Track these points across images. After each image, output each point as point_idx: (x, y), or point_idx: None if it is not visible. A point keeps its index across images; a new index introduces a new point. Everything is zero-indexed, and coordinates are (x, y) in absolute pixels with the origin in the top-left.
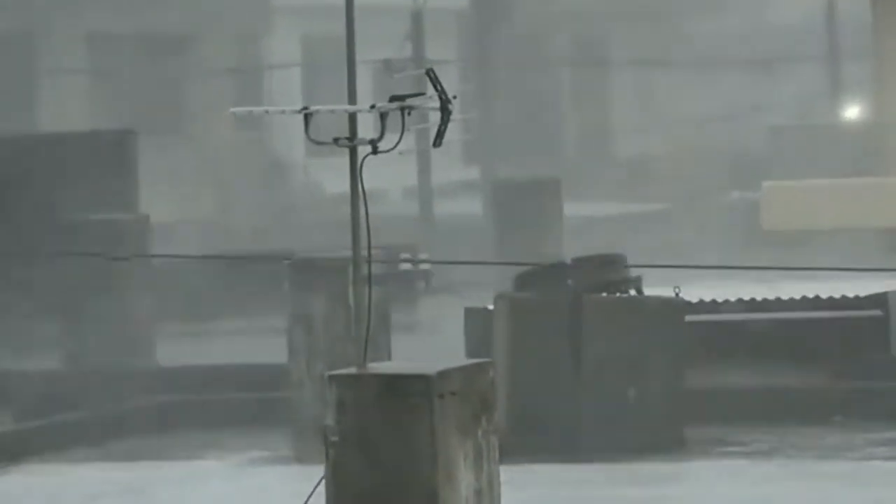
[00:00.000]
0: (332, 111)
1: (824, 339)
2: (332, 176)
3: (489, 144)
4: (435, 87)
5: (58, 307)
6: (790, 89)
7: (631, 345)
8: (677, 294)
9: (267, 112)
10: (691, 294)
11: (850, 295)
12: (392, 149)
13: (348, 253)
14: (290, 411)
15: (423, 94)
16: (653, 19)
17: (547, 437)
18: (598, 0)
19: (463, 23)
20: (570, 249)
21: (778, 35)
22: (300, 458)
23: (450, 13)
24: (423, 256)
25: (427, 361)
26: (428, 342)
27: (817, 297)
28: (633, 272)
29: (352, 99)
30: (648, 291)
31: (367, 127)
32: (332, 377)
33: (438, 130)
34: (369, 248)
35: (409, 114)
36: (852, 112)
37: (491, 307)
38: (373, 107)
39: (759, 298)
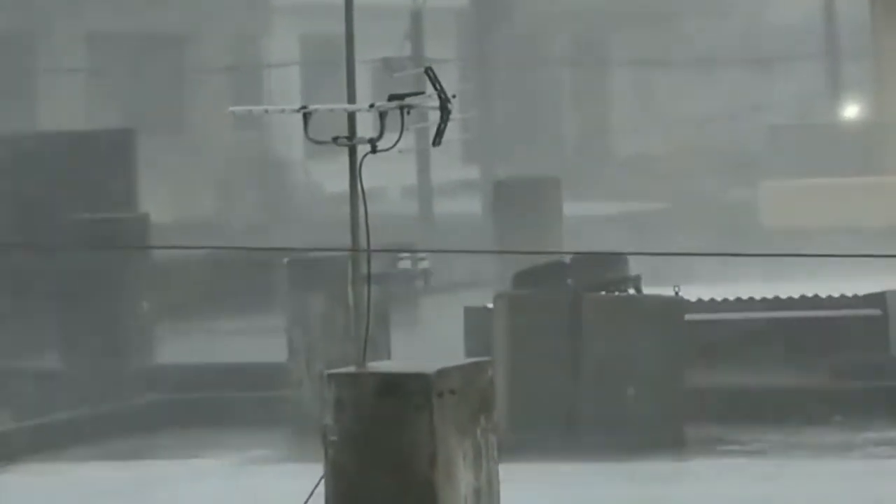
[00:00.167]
0: (332, 110)
1: (824, 339)
2: (332, 175)
3: (488, 144)
4: (434, 86)
5: (57, 306)
6: (790, 89)
7: (630, 343)
8: (677, 293)
9: (266, 111)
10: (690, 293)
11: (849, 294)
12: (391, 148)
13: (347, 252)
14: (290, 410)
15: (422, 93)
16: (652, 19)
17: (546, 436)
18: (597, 0)
19: (462, 22)
20: (570, 249)
21: (777, 35)
22: (299, 457)
23: (449, 12)
24: (421, 255)
25: (426, 360)
26: (427, 341)
27: (816, 297)
28: (633, 271)
29: (351, 98)
30: (648, 290)
31: (366, 126)
32: (331, 376)
33: (438, 129)
34: (368, 247)
35: (408, 113)
36: (851, 112)
37: (490, 306)
38: (372, 106)
39: (758, 297)
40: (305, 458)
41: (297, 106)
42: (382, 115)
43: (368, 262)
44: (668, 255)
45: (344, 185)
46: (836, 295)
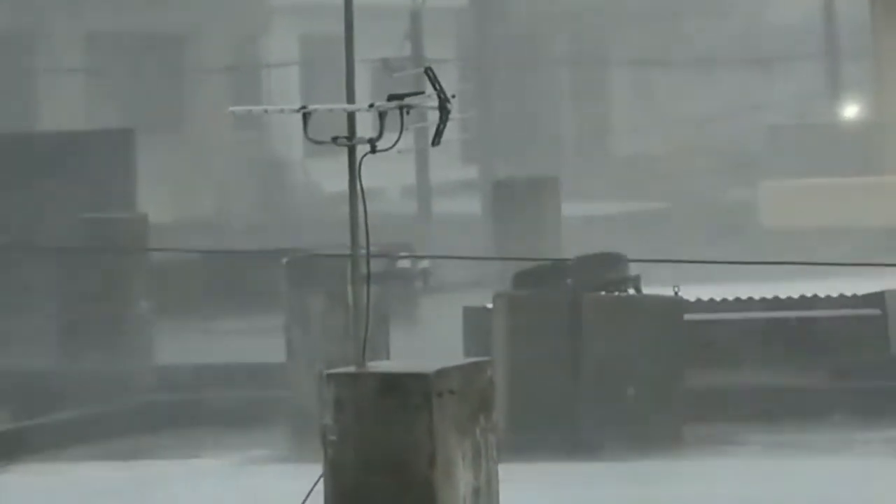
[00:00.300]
0: (331, 110)
1: (823, 339)
2: (331, 175)
3: (488, 143)
4: (433, 86)
5: (56, 305)
6: (789, 89)
7: (630, 343)
8: (676, 293)
9: (266, 111)
10: (690, 293)
11: (849, 294)
12: (391, 148)
13: (347, 252)
14: (289, 410)
15: (421, 93)
16: (652, 19)
17: (546, 436)
18: (597, 0)
19: (461, 22)
20: (569, 249)
21: (777, 35)
22: (299, 457)
23: (448, 12)
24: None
25: (425, 360)
26: (426, 341)
27: (815, 297)
28: (633, 271)
29: (350, 98)
30: (647, 290)
31: (365, 126)
32: (330, 376)
33: (437, 129)
34: (368, 246)
35: (407, 113)
36: (851, 111)
37: (490, 306)
38: (371, 106)
39: (757, 297)
40: (305, 458)
41: (297, 106)
42: (382, 115)
43: (368, 262)
44: (667, 262)
45: (343, 185)
46: (835, 295)
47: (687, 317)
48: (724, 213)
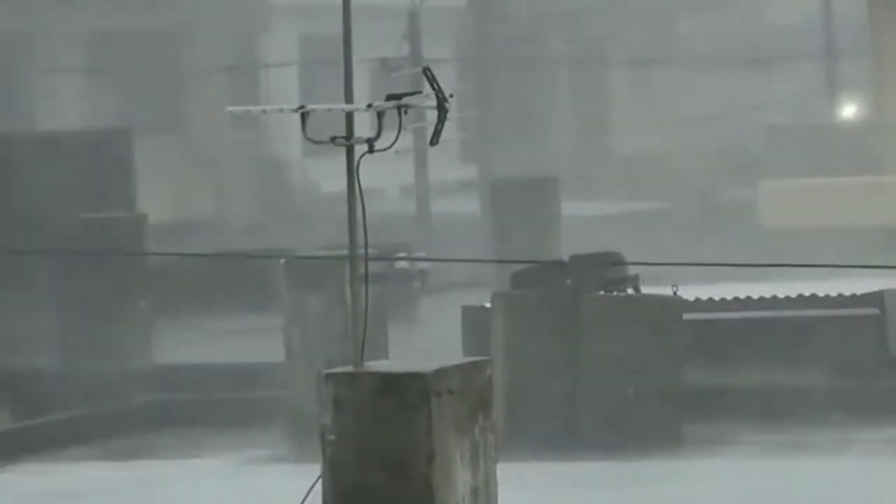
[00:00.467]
0: (329, 110)
1: (822, 338)
2: (329, 175)
3: (486, 143)
4: (432, 85)
5: (55, 305)
6: (788, 88)
7: (628, 343)
8: (675, 292)
9: (264, 111)
10: (689, 292)
11: (847, 293)
12: (389, 147)
13: (345, 252)
14: (288, 410)
15: (419, 92)
16: (651, 18)
17: (544, 436)
18: None
19: (460, 22)
20: (568, 248)
21: (776, 34)
22: (298, 457)
23: (447, 12)
24: (420, 254)
25: (424, 360)
26: (425, 340)
27: (814, 296)
28: (631, 271)
29: (349, 98)
30: (646, 290)
31: (364, 126)
32: (328, 376)
33: (435, 129)
34: (366, 246)
35: (405, 113)
36: (850, 111)
37: (488, 305)
38: (370, 106)
39: (756, 297)
40: (304, 457)
41: (295, 106)
42: (380, 115)
43: (366, 262)
44: (665, 265)
45: (342, 185)
46: (833, 294)
47: (686, 316)
48: (724, 212)
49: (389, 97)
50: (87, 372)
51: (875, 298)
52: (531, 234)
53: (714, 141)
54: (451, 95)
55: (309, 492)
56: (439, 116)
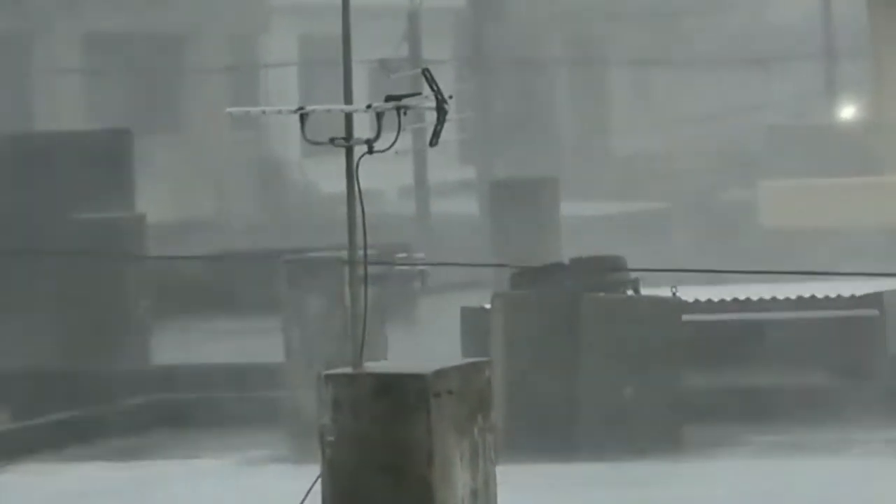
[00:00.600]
0: (329, 111)
1: (821, 339)
2: (329, 175)
3: (486, 144)
4: (431, 86)
5: (54, 306)
6: (788, 88)
7: (628, 344)
8: (674, 294)
9: (263, 112)
10: (688, 294)
11: (847, 294)
12: (388, 148)
13: (344, 252)
14: (287, 411)
15: (419, 93)
16: (651, 18)
17: (544, 437)
18: None
19: (459, 22)
20: (568, 249)
21: (776, 34)
22: (297, 458)
23: (446, 12)
24: (419, 255)
25: (423, 361)
26: (424, 341)
27: (813, 297)
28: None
29: (348, 99)
30: (645, 292)
31: (363, 127)
32: (328, 376)
33: (435, 130)
34: (365, 247)
35: (405, 113)
36: (850, 111)
37: (488, 306)
38: (369, 107)
39: (755, 298)
40: (303, 458)
41: (295, 106)
42: (379, 116)
43: (365, 262)
44: (663, 270)
45: (341, 186)
46: (833, 295)
47: (685, 317)
48: (724, 213)
49: (389, 98)
50: (86, 372)
51: (874, 299)
52: (530, 235)
53: (714, 141)
54: (451, 96)
55: (308, 492)
56: (438, 117)
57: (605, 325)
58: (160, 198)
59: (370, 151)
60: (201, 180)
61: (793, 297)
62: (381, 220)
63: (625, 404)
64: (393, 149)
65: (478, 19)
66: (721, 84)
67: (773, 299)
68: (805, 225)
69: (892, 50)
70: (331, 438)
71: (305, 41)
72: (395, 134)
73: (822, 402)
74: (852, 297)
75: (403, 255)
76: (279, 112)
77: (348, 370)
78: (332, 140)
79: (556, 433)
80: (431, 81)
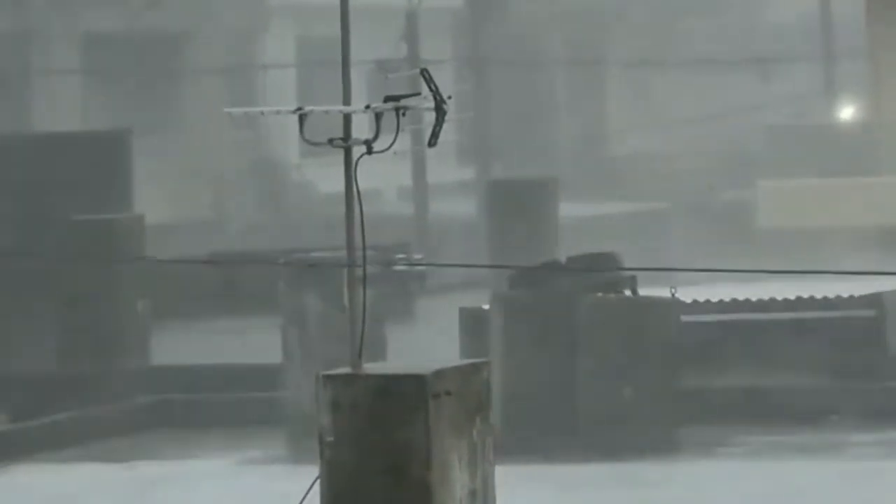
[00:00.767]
0: (327, 111)
1: (820, 340)
2: (327, 176)
3: (484, 144)
4: (430, 87)
5: (54, 306)
6: (786, 89)
7: (626, 345)
8: (673, 294)
9: (262, 112)
10: (687, 294)
11: (846, 295)
12: (387, 149)
13: (343, 253)
14: (286, 411)
15: (417, 94)
16: (649, 19)
17: (542, 438)
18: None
19: (458, 22)
20: (567, 249)
21: (774, 35)
22: (296, 458)
23: (445, 13)
24: (417, 256)
25: (422, 361)
26: (423, 342)
27: (812, 297)
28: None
29: (346, 99)
30: (644, 292)
31: (361, 127)
32: (326, 377)
33: (433, 131)
34: (364, 248)
35: (403, 114)
36: (848, 112)
37: (486, 307)
38: (368, 107)
39: (753, 299)
40: (302, 458)
41: (293, 107)
42: (378, 117)
43: (364, 263)
44: (663, 270)
45: (340, 187)
46: (832, 296)
47: (684, 318)
48: (723, 213)
49: (387, 99)
50: (86, 372)
51: (874, 300)
52: (529, 236)
53: (714, 141)
54: (450, 97)
55: (307, 493)
56: (437, 118)
57: (603, 326)
58: (158, 198)
59: (369, 152)
60: (200, 181)
61: (792, 297)
62: (379, 221)
63: (624, 404)
64: (391, 149)
65: (476, 19)
66: (720, 84)
67: (772, 300)
68: (804, 225)
69: (890, 50)
70: (329, 439)
71: (304, 42)
72: (393, 134)
73: (822, 402)
74: (851, 297)
75: (402, 255)
76: (278, 112)
77: (347, 371)
78: (330, 141)
79: (554, 433)
80: (430, 82)
